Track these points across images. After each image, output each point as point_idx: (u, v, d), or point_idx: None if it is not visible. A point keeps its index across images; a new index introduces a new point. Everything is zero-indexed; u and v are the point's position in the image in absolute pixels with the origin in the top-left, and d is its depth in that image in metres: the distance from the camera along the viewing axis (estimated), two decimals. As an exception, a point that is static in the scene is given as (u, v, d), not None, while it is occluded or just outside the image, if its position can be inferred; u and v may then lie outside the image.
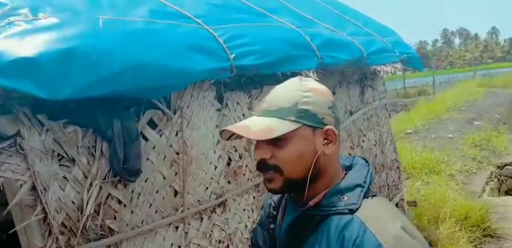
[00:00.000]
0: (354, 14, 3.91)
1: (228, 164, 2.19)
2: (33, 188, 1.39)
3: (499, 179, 6.78)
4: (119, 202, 1.67)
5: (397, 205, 4.13)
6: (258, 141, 0.96)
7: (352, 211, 0.92)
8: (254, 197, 2.37)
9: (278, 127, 0.92)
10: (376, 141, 3.84)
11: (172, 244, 1.89)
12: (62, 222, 1.49)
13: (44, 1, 1.51)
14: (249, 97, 2.27)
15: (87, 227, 1.56)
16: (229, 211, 2.20)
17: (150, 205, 1.78)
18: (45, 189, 1.41)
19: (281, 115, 0.93)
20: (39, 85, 1.24)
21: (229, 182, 2.19)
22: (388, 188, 3.99)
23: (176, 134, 1.82)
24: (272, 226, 1.06)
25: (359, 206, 0.92)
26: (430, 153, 7.22)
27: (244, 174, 2.28)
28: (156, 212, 1.81)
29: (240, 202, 2.28)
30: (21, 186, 1.37)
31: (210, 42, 1.84)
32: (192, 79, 1.72)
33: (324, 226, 0.93)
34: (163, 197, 1.83)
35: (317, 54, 2.50)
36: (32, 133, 1.39)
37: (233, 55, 1.89)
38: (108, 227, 1.64)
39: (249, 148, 2.30)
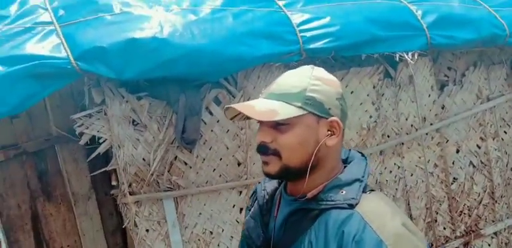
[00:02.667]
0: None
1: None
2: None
3: None
4: (185, 163, 2.08)
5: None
6: (261, 124, 0.98)
7: (351, 206, 0.93)
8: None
9: (283, 111, 0.93)
10: (527, 133, 3.35)
11: (234, 205, 2.24)
12: (135, 173, 1.99)
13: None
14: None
15: (156, 180, 2.03)
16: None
17: (214, 169, 2.15)
18: (119, 147, 1.90)
19: (287, 100, 0.95)
20: (108, 67, 1.68)
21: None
22: (538, 191, 3.48)
23: (240, 111, 2.10)
24: (266, 218, 1.07)
25: (358, 201, 0.94)
26: None
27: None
28: (219, 176, 2.17)
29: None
30: (102, 142, 1.89)
31: (280, 27, 2.00)
32: (248, 64, 1.94)
33: (322, 220, 0.94)
34: (227, 165, 2.17)
35: (426, 34, 2.36)
36: (114, 102, 1.87)
37: (303, 38, 2.01)
38: (176, 182, 2.09)
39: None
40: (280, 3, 2.11)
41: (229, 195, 2.22)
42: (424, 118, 2.74)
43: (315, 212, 0.96)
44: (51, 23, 1.68)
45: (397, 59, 2.30)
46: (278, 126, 0.96)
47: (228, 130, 2.12)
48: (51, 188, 2.57)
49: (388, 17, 2.27)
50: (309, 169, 0.96)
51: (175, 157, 2.06)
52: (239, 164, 2.20)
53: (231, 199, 2.23)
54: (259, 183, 1.16)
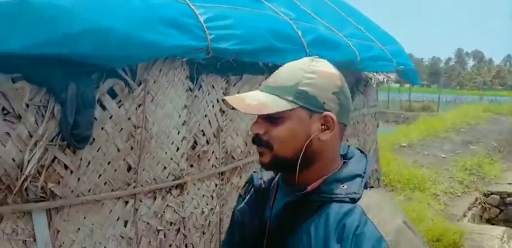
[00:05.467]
0: (359, 17, 3.83)
1: (193, 148, 2.11)
2: (-30, 139, 1.33)
3: (482, 206, 6.64)
4: (66, 167, 1.60)
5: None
6: (257, 116, 0.95)
7: (353, 200, 0.89)
8: (216, 185, 2.30)
9: (273, 104, 0.90)
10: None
11: (118, 218, 1.82)
12: (0, 178, 1.43)
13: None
14: (226, 82, 2.19)
15: (26, 187, 1.50)
16: (187, 194, 2.13)
17: (100, 175, 1.71)
18: (-18, 142, 1.34)
19: (280, 93, 0.91)
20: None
21: (191, 165, 2.12)
22: (364, 197, 3.91)
23: (137, 107, 1.75)
24: (261, 207, 1.02)
25: (360, 196, 0.90)
26: (419, 169, 7.11)
27: (209, 160, 2.21)
28: (105, 183, 1.74)
29: (200, 187, 2.21)
30: (-44, 134, 1.30)
31: (187, 19, 1.76)
32: (159, 53, 1.65)
33: (322, 212, 0.90)
34: (115, 170, 1.76)
35: (306, 50, 2.42)
36: (-22, 83, 1.33)
37: (212, 36, 1.81)
38: (51, 190, 1.58)
39: (218, 135, 2.23)
40: (183, -4, 1.88)
41: (113, 206, 1.80)
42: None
43: (314, 204, 0.92)
44: None
45: (285, 69, 2.29)
46: (271, 119, 0.92)
47: (122, 129, 1.73)
48: None
49: (281, 29, 2.26)
50: (298, 162, 0.92)
51: (53, 159, 1.56)
52: (129, 169, 1.81)
53: (115, 210, 1.81)
54: (254, 172, 1.08)
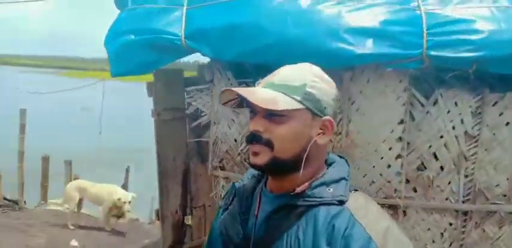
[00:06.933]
0: None
1: (419, 169, 1.83)
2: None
3: None
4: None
5: None
6: (257, 114, 0.90)
7: (341, 203, 0.88)
8: (451, 224, 1.85)
9: (283, 101, 0.87)
10: None
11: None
12: (226, 150, 1.99)
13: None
14: (480, 100, 1.71)
15: (243, 162, 1.98)
16: (406, 219, 1.89)
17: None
18: (214, 123, 1.94)
19: (287, 92, 0.88)
20: (209, 47, 1.73)
21: (415, 190, 1.86)
22: None
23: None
24: (244, 216, 0.98)
25: (347, 199, 0.89)
26: None
27: (441, 190, 1.83)
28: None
29: (426, 218, 1.87)
30: (203, 115, 1.97)
31: (401, 26, 1.60)
32: (347, 62, 1.62)
33: (310, 215, 0.88)
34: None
35: None
36: (220, 83, 1.92)
37: (429, 43, 1.55)
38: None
39: (459, 163, 1.79)
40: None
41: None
42: None
43: (301, 209, 0.90)
44: (182, 4, 1.81)
45: None
46: (273, 117, 0.89)
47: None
48: (205, 152, 2.79)
49: None
50: (302, 164, 0.90)
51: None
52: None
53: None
54: (233, 183, 1.05)
